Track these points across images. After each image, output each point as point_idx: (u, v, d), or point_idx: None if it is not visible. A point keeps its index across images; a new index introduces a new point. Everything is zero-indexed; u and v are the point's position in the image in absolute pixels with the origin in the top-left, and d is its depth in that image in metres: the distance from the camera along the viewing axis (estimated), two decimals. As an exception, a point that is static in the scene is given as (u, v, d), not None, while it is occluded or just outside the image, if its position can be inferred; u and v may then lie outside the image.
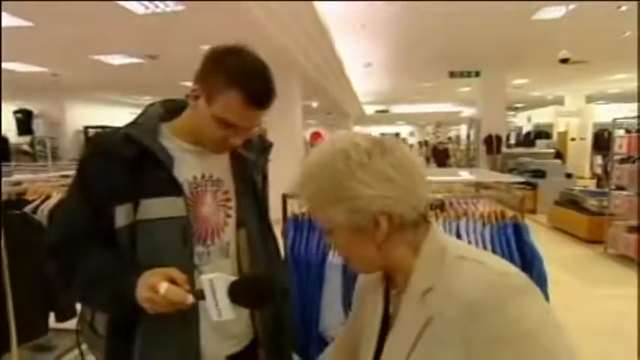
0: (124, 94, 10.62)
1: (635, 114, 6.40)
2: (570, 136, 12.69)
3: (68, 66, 6.96)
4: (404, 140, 19.72)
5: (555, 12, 5.34)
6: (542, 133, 11.78)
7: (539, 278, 1.59)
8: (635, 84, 9.01)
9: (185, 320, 0.89)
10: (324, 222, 0.65)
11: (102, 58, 6.29)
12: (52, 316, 2.23)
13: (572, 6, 5.07)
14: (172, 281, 0.80)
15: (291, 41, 5.45)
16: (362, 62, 8.50)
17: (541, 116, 13.92)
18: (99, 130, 8.17)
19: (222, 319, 0.83)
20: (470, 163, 9.14)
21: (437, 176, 2.26)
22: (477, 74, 8.66)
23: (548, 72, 9.37)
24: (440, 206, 1.83)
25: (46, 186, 2.47)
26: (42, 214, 2.22)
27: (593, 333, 2.72)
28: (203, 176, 0.98)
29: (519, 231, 1.68)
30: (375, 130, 21.69)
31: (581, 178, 10.26)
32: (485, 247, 1.66)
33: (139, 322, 0.90)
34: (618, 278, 4.06)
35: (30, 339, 2.13)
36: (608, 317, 3.07)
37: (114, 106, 11.35)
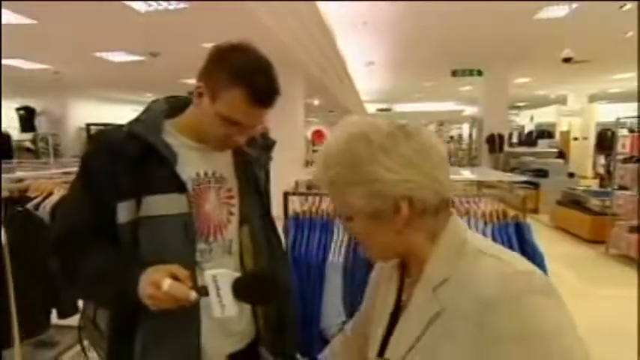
0: (126, 91, 10.63)
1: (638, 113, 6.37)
2: (573, 135, 12.64)
3: (71, 63, 6.97)
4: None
5: (558, 11, 5.32)
6: (544, 133, 11.74)
7: (541, 278, 1.59)
8: (639, 83, 8.97)
9: (187, 318, 0.89)
10: (343, 208, 0.64)
11: (104, 55, 6.30)
12: (54, 313, 2.24)
13: (575, 5, 5.04)
14: (175, 278, 0.80)
15: (293, 39, 5.44)
16: (364, 61, 8.48)
17: (543, 115, 13.87)
18: (101, 127, 8.19)
19: (226, 315, 0.83)
20: (472, 162, 9.12)
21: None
22: (480, 73, 8.63)
23: (551, 71, 9.33)
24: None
25: (48, 183, 2.48)
26: (44, 211, 2.23)
27: (594, 333, 2.70)
28: (206, 173, 0.98)
29: (521, 230, 1.68)
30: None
31: (584, 177, 10.23)
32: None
33: (141, 319, 0.90)
34: (620, 278, 4.06)
35: (32, 335, 2.14)
36: (610, 317, 3.06)
37: (116, 104, 11.37)
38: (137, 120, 0.95)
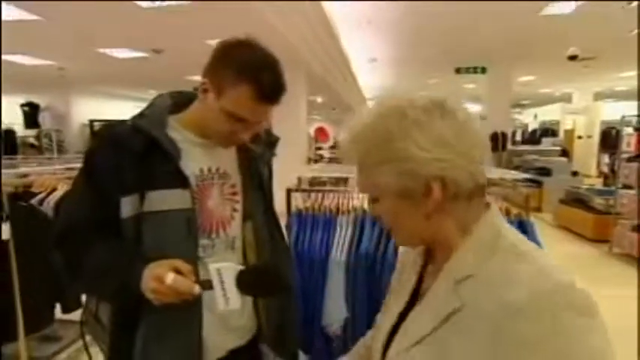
0: (130, 88, 10.64)
1: (644, 112, 6.32)
2: (577, 133, 12.57)
3: (74, 60, 6.99)
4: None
5: (563, 8, 5.27)
6: (548, 131, 11.69)
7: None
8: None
9: (188, 312, 0.89)
10: (370, 187, 0.61)
11: (107, 51, 6.31)
12: (58, 308, 2.25)
13: (580, 2, 5.00)
14: (178, 272, 0.80)
15: (297, 37, 5.43)
16: (367, 58, 8.45)
17: (548, 113, 13.79)
18: (104, 123, 8.20)
19: (230, 308, 0.83)
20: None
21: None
22: (484, 70, 8.59)
23: (556, 69, 9.27)
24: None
25: (52, 178, 2.49)
26: (48, 207, 2.24)
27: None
28: (210, 169, 0.98)
29: (524, 228, 1.67)
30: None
31: (588, 176, 10.18)
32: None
33: (143, 314, 0.90)
34: (623, 278, 4.04)
35: (36, 330, 2.16)
36: (613, 316, 3.04)
37: (119, 100, 11.39)
38: (141, 115, 0.95)
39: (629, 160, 4.86)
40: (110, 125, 0.96)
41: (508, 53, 7.81)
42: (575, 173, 8.11)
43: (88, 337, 1.05)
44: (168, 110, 0.98)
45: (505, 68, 8.53)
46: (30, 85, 8.79)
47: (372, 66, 9.23)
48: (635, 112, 5.99)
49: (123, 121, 0.94)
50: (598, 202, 5.36)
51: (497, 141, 8.48)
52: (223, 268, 0.82)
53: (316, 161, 6.91)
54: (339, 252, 1.75)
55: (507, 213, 1.73)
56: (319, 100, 12.61)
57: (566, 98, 13.85)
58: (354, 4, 5.12)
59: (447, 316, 0.55)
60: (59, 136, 9.43)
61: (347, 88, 11.49)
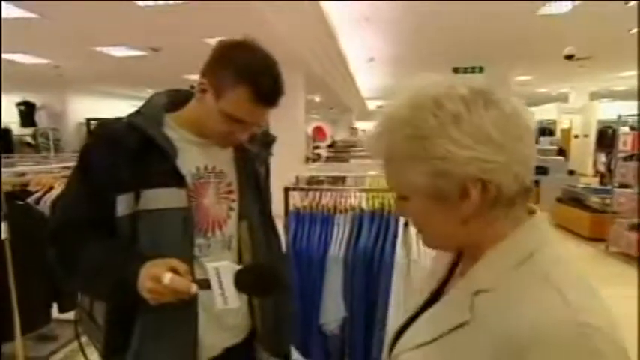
0: (127, 86, 10.60)
1: (640, 112, 6.35)
2: (574, 133, 12.62)
3: (71, 58, 6.95)
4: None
5: (561, 7, 5.29)
6: (545, 130, 11.72)
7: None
8: (641, 81, 8.95)
9: (184, 311, 0.89)
10: (398, 185, 0.54)
11: (105, 50, 6.28)
12: (54, 307, 2.25)
13: (577, 2, 5.02)
14: (174, 271, 0.80)
15: (295, 35, 5.43)
16: (365, 57, 8.45)
17: (544, 113, 13.83)
18: (100, 121, 8.15)
19: (229, 307, 0.83)
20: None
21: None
22: (481, 70, 8.62)
23: (553, 69, 9.30)
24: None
25: (48, 177, 2.48)
26: (45, 206, 2.23)
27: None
28: (206, 168, 0.98)
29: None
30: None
31: (584, 175, 10.22)
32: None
33: (138, 312, 0.90)
34: (620, 277, 4.06)
35: (33, 329, 2.16)
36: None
37: (116, 99, 11.34)
38: (138, 113, 0.95)
39: (626, 159, 4.88)
40: (106, 123, 0.96)
41: (505, 53, 7.83)
42: (571, 172, 8.15)
43: (83, 338, 1.04)
44: (164, 108, 0.98)
45: (502, 68, 8.56)
46: (26, 83, 8.74)
47: (369, 65, 9.23)
48: (631, 112, 6.03)
49: (119, 119, 0.93)
50: (594, 201, 5.39)
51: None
52: (221, 267, 0.83)
53: (314, 160, 6.91)
54: (337, 250, 1.75)
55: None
56: (317, 99, 12.59)
57: (563, 98, 13.89)
58: (353, 2, 5.12)
59: (452, 327, 0.50)
60: (56, 135, 9.38)
61: (345, 87, 11.49)
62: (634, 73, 9.62)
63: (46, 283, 2.08)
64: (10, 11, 4.26)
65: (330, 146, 8.19)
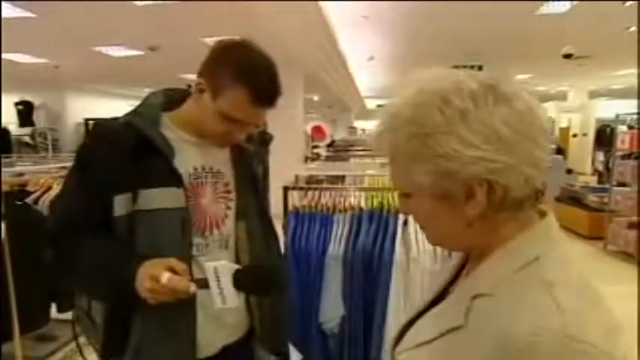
0: (125, 86, 10.58)
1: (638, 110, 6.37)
2: (572, 131, 12.65)
3: (69, 58, 6.93)
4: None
5: (560, 6, 5.29)
6: (544, 129, 11.72)
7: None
8: None
9: (182, 310, 0.89)
10: (402, 183, 0.51)
11: (103, 49, 6.27)
12: (53, 307, 2.24)
13: (576, 2, 5.02)
14: (172, 271, 0.80)
15: (293, 34, 5.42)
16: (364, 56, 8.45)
17: (543, 112, 13.84)
18: (97, 121, 8.13)
19: (227, 306, 0.84)
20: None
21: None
22: (480, 69, 8.59)
23: (551, 67, 9.31)
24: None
25: (47, 177, 2.48)
26: (43, 205, 2.23)
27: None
28: (203, 168, 0.98)
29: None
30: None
31: (582, 174, 10.24)
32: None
33: (137, 312, 0.90)
34: (618, 275, 4.07)
35: (32, 329, 2.15)
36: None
37: (115, 99, 11.32)
38: (135, 112, 0.95)
39: (624, 157, 4.90)
40: (103, 123, 0.95)
41: (504, 52, 7.84)
42: (570, 171, 8.16)
43: (81, 339, 1.04)
44: (161, 108, 0.97)
45: (501, 67, 8.57)
46: (24, 83, 8.72)
47: (368, 64, 9.23)
48: (629, 110, 6.04)
49: (115, 119, 0.93)
50: (592, 199, 5.40)
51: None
52: (220, 266, 0.83)
53: (313, 160, 6.90)
54: (336, 249, 1.75)
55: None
56: (316, 98, 12.59)
57: (561, 96, 13.92)
58: (352, 2, 5.12)
59: (447, 330, 0.49)
60: (54, 134, 9.36)
61: (344, 86, 11.49)
62: (632, 71, 9.64)
63: (45, 283, 2.08)
64: (8, 11, 4.25)
65: (329, 145, 8.19)
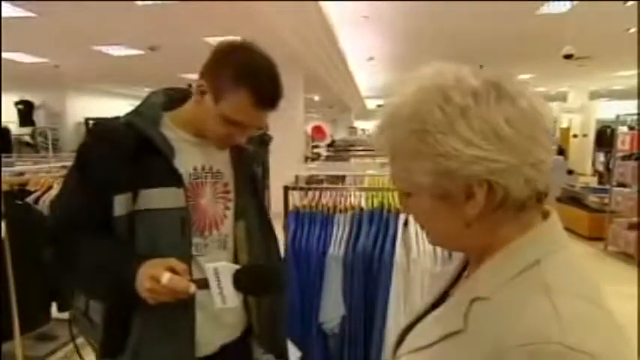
0: (126, 86, 10.59)
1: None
2: (572, 132, 12.65)
3: (70, 57, 6.94)
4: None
5: (560, 7, 5.29)
6: (544, 130, 11.72)
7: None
8: (640, 81, 8.96)
9: (181, 310, 0.89)
10: (402, 181, 0.51)
11: (103, 49, 6.27)
12: (54, 306, 2.24)
13: (576, 2, 5.02)
14: (172, 271, 0.80)
15: (294, 34, 5.42)
16: (364, 56, 8.45)
17: (543, 112, 13.83)
18: (98, 120, 8.13)
19: (227, 306, 0.84)
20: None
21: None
22: (480, 69, 8.60)
23: (552, 68, 9.30)
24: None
25: (47, 177, 2.48)
26: (44, 205, 2.23)
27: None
28: (203, 168, 0.98)
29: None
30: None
31: (583, 175, 10.24)
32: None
33: (136, 311, 0.90)
34: (619, 276, 4.07)
35: (32, 328, 2.15)
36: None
37: (115, 98, 11.32)
38: (135, 112, 0.95)
39: (624, 158, 4.89)
40: (103, 122, 0.95)
41: (504, 52, 7.84)
42: (570, 172, 8.16)
43: (79, 340, 1.04)
44: (162, 107, 0.98)
45: (501, 67, 8.44)
46: (24, 82, 8.72)
47: (369, 64, 9.23)
48: (630, 111, 6.03)
49: (116, 118, 0.93)
50: (593, 200, 5.40)
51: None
52: (220, 267, 0.83)
53: (313, 159, 6.90)
54: (336, 249, 1.75)
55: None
56: (316, 98, 12.59)
57: (562, 97, 13.92)
58: (352, 2, 5.12)
59: (447, 334, 0.48)
60: (54, 134, 9.35)
61: (344, 86, 11.49)
62: (633, 72, 9.64)
63: (45, 283, 2.08)
64: (8, 10, 4.25)
65: (329, 145, 8.19)
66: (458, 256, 0.63)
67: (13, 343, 1.98)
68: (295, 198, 1.94)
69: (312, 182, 2.38)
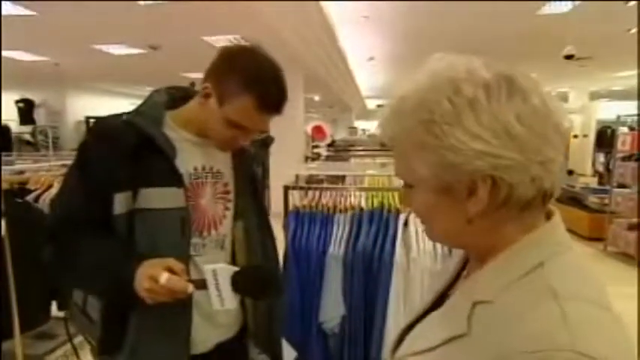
0: (126, 84, 10.59)
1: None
2: (573, 133, 12.64)
3: (70, 56, 6.93)
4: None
5: (561, 7, 5.29)
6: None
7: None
8: (640, 81, 8.96)
9: (178, 309, 0.89)
10: (404, 172, 0.49)
11: (103, 48, 6.26)
12: (54, 305, 2.24)
13: (577, 2, 5.02)
14: (171, 271, 0.80)
15: (294, 33, 5.42)
16: (365, 56, 8.45)
17: (544, 113, 13.83)
18: (99, 118, 8.11)
19: (225, 308, 0.84)
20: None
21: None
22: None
23: (553, 68, 9.30)
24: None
25: (47, 175, 2.48)
26: (44, 203, 2.23)
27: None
28: (204, 168, 0.98)
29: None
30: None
31: (583, 175, 10.23)
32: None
33: (133, 309, 0.90)
34: (619, 276, 4.07)
35: (32, 327, 2.15)
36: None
37: (115, 97, 11.33)
38: (137, 111, 0.95)
39: (624, 159, 4.89)
40: (105, 120, 0.95)
41: (505, 52, 7.83)
42: (570, 172, 8.16)
43: (76, 340, 1.04)
44: (164, 106, 0.98)
45: (502, 67, 8.54)
46: (25, 81, 8.71)
47: (369, 64, 9.23)
48: (630, 112, 6.03)
49: (117, 116, 0.93)
50: (593, 200, 5.40)
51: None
52: (219, 269, 0.83)
53: (313, 159, 6.91)
54: (336, 249, 1.75)
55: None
56: (316, 98, 12.58)
57: (563, 97, 13.91)
58: (353, 2, 5.11)
59: (449, 338, 0.47)
60: (55, 132, 9.35)
61: (344, 86, 11.48)
62: (633, 72, 9.63)
63: (45, 282, 2.08)
64: (9, 9, 4.25)
65: (329, 145, 8.18)
66: (458, 253, 0.62)
67: (13, 342, 1.99)
68: (295, 198, 1.94)
69: (312, 182, 2.38)
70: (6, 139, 8.23)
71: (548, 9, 5.37)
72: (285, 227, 1.84)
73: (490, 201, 0.44)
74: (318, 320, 1.78)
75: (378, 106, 19.03)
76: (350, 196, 1.93)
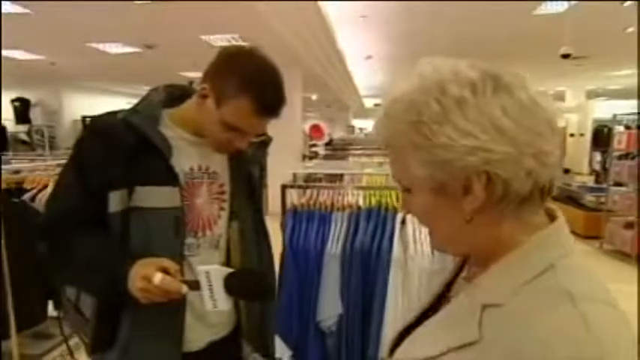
0: (122, 84, 10.55)
1: (636, 110, 6.40)
2: (569, 131, 12.68)
3: (66, 54, 6.90)
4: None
5: (557, 6, 5.31)
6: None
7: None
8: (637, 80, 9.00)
9: (171, 307, 0.89)
10: (400, 174, 0.50)
11: (100, 46, 6.24)
12: (50, 305, 2.24)
13: (573, 2, 5.03)
14: (165, 271, 0.80)
15: (292, 32, 5.41)
16: (362, 55, 8.45)
17: (541, 112, 13.86)
18: (96, 115, 8.07)
19: (218, 309, 0.84)
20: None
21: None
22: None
23: (550, 68, 9.34)
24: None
25: (43, 175, 2.47)
26: (40, 203, 2.22)
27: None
28: (200, 168, 0.98)
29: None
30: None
31: (579, 174, 10.28)
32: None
33: (126, 308, 0.90)
34: (615, 275, 4.09)
35: (29, 327, 2.14)
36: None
37: (112, 96, 11.28)
38: (134, 110, 0.94)
39: (621, 157, 4.92)
40: (101, 118, 0.94)
41: (501, 52, 7.85)
42: (567, 171, 8.20)
43: (72, 342, 1.04)
44: (162, 104, 0.97)
45: (498, 66, 8.55)
46: (21, 80, 8.67)
47: (367, 63, 9.23)
48: (627, 111, 6.06)
49: (114, 114, 0.92)
50: (589, 199, 5.43)
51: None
52: (212, 270, 0.83)
53: (311, 158, 6.91)
54: (334, 246, 1.76)
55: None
56: (314, 97, 12.58)
57: (560, 96, 13.96)
58: (351, 2, 5.11)
59: (460, 345, 0.45)
60: (51, 132, 9.31)
61: (342, 85, 11.48)
62: (630, 72, 9.68)
63: (42, 281, 2.07)
64: (5, 7, 4.22)
65: (327, 144, 8.18)
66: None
67: (9, 342, 1.98)
68: (293, 196, 1.94)
69: (310, 181, 2.38)
70: (2, 138, 8.19)
71: (545, 9, 5.39)
72: (283, 226, 1.84)
73: (487, 197, 0.44)
74: (315, 319, 1.78)
75: (376, 105, 19.03)
76: (347, 194, 1.93)
